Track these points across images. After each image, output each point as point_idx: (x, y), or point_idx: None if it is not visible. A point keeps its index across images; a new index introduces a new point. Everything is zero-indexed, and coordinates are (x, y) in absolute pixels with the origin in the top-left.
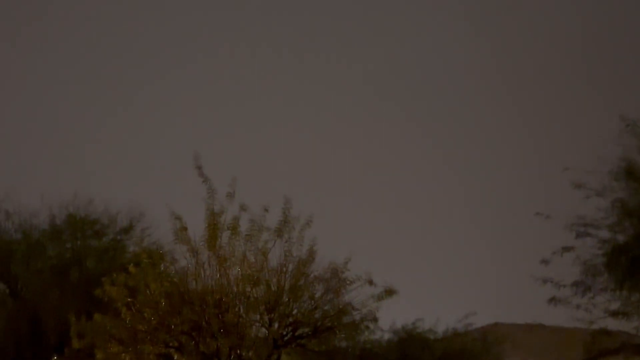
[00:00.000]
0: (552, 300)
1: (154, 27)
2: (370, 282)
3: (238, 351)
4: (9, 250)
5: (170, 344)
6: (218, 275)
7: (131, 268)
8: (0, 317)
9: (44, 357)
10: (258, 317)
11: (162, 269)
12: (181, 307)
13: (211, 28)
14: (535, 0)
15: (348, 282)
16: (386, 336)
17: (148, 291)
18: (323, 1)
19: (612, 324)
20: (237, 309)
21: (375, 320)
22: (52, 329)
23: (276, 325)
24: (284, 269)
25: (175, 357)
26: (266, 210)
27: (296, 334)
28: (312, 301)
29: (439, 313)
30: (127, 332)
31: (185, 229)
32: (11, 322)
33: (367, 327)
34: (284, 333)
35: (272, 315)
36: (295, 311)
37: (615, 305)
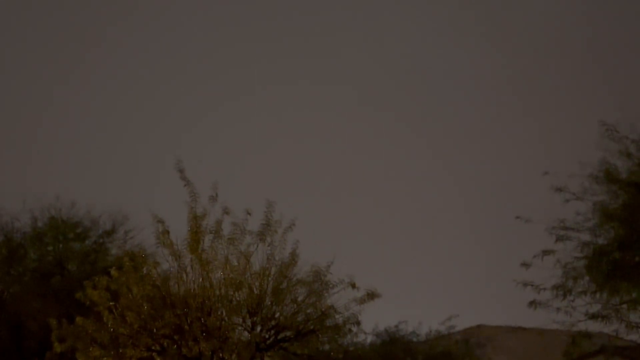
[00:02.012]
0: (532, 303)
1: (137, 33)
2: (353, 285)
3: (220, 354)
4: None
5: (153, 348)
6: (201, 279)
7: (113, 271)
8: None
9: None
10: (241, 320)
11: (144, 272)
12: (163, 311)
13: (194, 33)
14: (517, 7)
15: (331, 285)
16: (369, 339)
17: (130, 294)
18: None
19: (593, 327)
20: (219, 313)
21: (358, 323)
22: (34, 333)
23: (259, 328)
24: (267, 272)
25: None
26: (249, 213)
27: (279, 337)
28: (295, 304)
29: (422, 316)
30: (109, 336)
31: (168, 232)
32: None
33: (350, 330)
34: (267, 336)
35: (255, 318)
36: (277, 314)
37: (595, 308)
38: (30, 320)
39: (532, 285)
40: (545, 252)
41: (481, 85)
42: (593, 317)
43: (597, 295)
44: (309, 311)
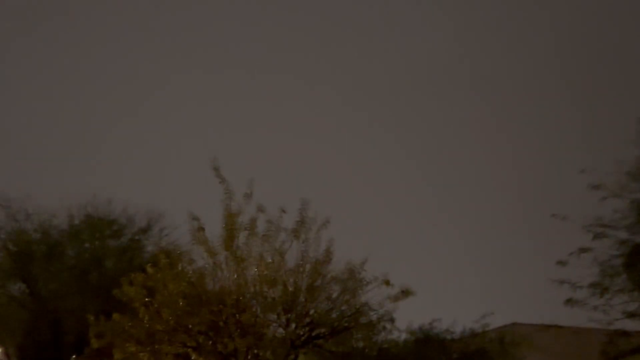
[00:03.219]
0: (569, 301)
1: (171, 30)
2: (387, 283)
3: (255, 351)
4: (29, 251)
5: (188, 344)
6: (235, 276)
7: (149, 268)
8: (21, 317)
9: (63, 356)
10: (275, 317)
11: (180, 269)
12: (199, 307)
13: (228, 31)
14: (553, 2)
15: (365, 282)
16: (403, 336)
17: (166, 291)
18: (338, 5)
19: (630, 325)
20: (254, 309)
21: (392, 320)
22: (72, 329)
23: (293, 325)
24: (301, 270)
25: (193, 357)
26: (283, 211)
27: (313, 334)
28: (329, 302)
29: (456, 313)
30: (145, 332)
31: (203, 229)
32: (31, 322)
33: (384, 328)
34: (301, 333)
35: (289, 315)
36: (312, 311)
37: (632, 307)
38: (69, 316)
39: (568, 283)
40: (582, 250)
41: (519, 82)
42: (630, 315)
43: (635, 293)
44: (343, 308)
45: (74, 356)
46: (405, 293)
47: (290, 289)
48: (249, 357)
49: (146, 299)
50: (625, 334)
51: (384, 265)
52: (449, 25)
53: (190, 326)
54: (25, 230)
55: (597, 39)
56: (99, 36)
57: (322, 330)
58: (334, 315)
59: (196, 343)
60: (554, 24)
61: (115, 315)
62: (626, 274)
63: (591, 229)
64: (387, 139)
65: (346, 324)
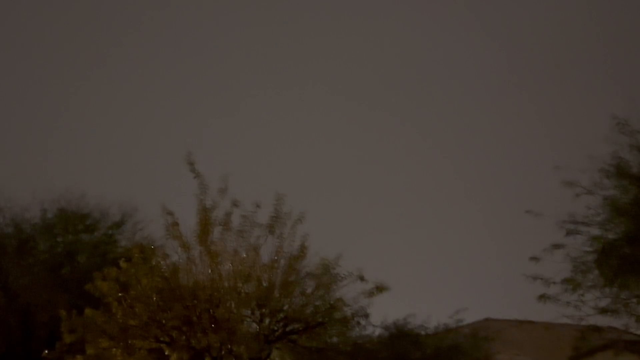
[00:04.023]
0: (542, 297)
1: (146, 25)
2: (362, 278)
3: (229, 346)
4: (0, 245)
5: (161, 339)
6: (209, 271)
7: (122, 263)
8: None
9: (34, 351)
10: (249, 312)
11: (153, 264)
12: (172, 302)
13: (203, 25)
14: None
15: (339, 278)
16: (377, 332)
17: (139, 286)
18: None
19: (602, 321)
20: (228, 305)
21: (366, 316)
22: (43, 324)
23: (267, 320)
24: (276, 265)
25: (166, 352)
26: (258, 206)
27: (287, 329)
28: (303, 297)
29: (430, 309)
30: (118, 327)
31: (177, 224)
32: (2, 317)
33: (358, 323)
34: (275, 329)
35: (263, 310)
36: (286, 307)
37: (604, 303)
38: (40, 311)
39: (541, 279)
40: (555, 246)
41: (490, 80)
42: (602, 311)
43: (607, 289)
44: (317, 304)
45: (46, 351)
46: (380, 288)
47: (265, 284)
48: (222, 352)
49: (119, 294)
50: (597, 329)
51: (358, 260)
52: (422, 24)
53: (163, 321)
54: None
55: (572, 35)
56: (81, 30)
57: (296, 325)
58: (308, 311)
59: (169, 338)
60: (527, 21)
61: (88, 311)
62: (598, 270)
63: (564, 226)
64: (361, 134)
65: (320, 320)
